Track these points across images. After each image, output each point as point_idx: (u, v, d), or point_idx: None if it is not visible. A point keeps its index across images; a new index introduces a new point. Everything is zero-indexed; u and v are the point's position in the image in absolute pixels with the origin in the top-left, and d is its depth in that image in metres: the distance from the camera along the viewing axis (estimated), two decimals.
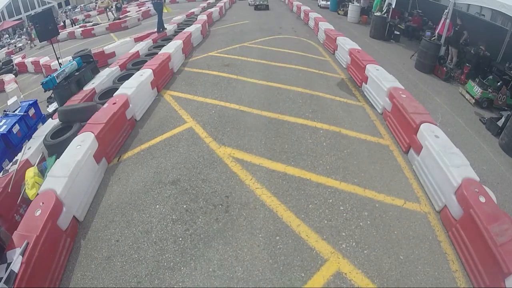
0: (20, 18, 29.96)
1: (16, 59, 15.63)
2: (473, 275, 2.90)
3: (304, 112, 5.75)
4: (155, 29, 11.55)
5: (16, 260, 2.61)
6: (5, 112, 5.53)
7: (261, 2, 17.18)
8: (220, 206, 3.78)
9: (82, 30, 18.10)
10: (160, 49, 8.06)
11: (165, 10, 11.36)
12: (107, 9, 22.32)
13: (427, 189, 3.92)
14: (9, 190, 3.98)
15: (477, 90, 6.77)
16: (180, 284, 2.94)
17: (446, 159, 3.56)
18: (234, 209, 3.72)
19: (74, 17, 25.72)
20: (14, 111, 5.51)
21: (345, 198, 3.85)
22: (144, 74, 6.18)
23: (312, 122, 5.41)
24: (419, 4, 12.57)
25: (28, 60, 14.23)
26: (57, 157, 3.92)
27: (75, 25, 22.38)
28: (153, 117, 5.87)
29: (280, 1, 20.50)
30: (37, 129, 5.55)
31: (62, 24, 22.21)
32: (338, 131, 5.18)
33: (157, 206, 3.82)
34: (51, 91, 6.45)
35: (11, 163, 4.51)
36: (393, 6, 10.94)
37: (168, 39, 9.82)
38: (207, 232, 3.45)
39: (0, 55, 18.80)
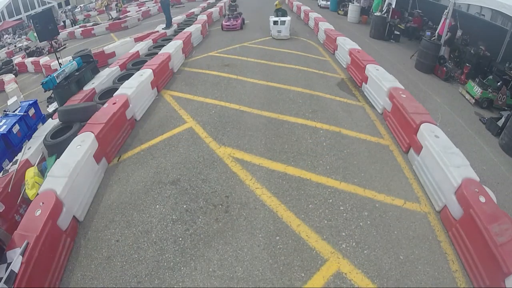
0: (20, 18, 29.95)
1: (16, 59, 15.63)
2: (473, 275, 2.90)
3: (304, 112, 5.75)
4: (156, 29, 11.55)
5: (16, 260, 2.61)
6: (5, 112, 5.52)
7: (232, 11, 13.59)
8: (220, 206, 3.78)
9: (82, 30, 18.10)
10: (160, 49, 8.06)
11: None
12: (106, 7, 22.29)
13: (427, 189, 3.91)
14: (9, 190, 3.98)
15: (477, 90, 6.76)
16: (180, 284, 2.95)
17: (446, 159, 3.56)
18: (234, 209, 3.72)
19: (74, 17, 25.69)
20: (14, 111, 5.49)
21: (345, 198, 3.84)
22: (144, 74, 6.18)
23: (312, 122, 5.41)
24: (419, 4, 12.57)
25: (28, 60, 14.23)
26: (57, 157, 3.92)
27: (75, 25, 22.36)
28: (153, 117, 5.87)
29: None
30: (37, 129, 5.54)
31: (62, 24, 22.19)
32: (338, 131, 5.18)
33: (157, 206, 3.82)
34: (51, 91, 6.44)
35: (11, 163, 4.51)
36: (393, 6, 10.95)
37: (168, 39, 9.81)
38: (207, 232, 3.45)
39: (1, 55, 18.81)
